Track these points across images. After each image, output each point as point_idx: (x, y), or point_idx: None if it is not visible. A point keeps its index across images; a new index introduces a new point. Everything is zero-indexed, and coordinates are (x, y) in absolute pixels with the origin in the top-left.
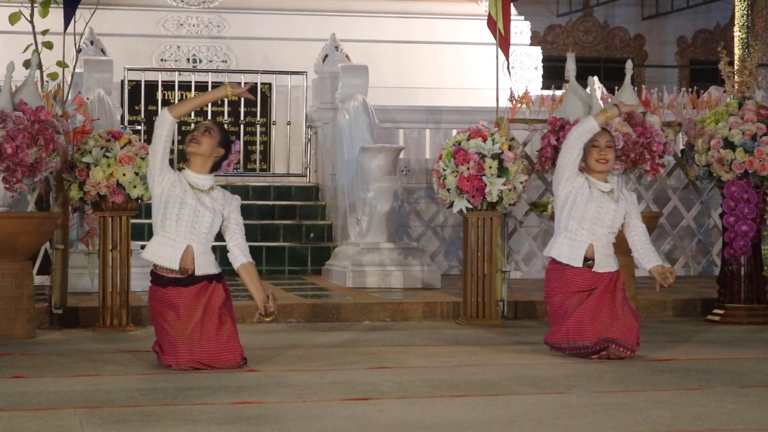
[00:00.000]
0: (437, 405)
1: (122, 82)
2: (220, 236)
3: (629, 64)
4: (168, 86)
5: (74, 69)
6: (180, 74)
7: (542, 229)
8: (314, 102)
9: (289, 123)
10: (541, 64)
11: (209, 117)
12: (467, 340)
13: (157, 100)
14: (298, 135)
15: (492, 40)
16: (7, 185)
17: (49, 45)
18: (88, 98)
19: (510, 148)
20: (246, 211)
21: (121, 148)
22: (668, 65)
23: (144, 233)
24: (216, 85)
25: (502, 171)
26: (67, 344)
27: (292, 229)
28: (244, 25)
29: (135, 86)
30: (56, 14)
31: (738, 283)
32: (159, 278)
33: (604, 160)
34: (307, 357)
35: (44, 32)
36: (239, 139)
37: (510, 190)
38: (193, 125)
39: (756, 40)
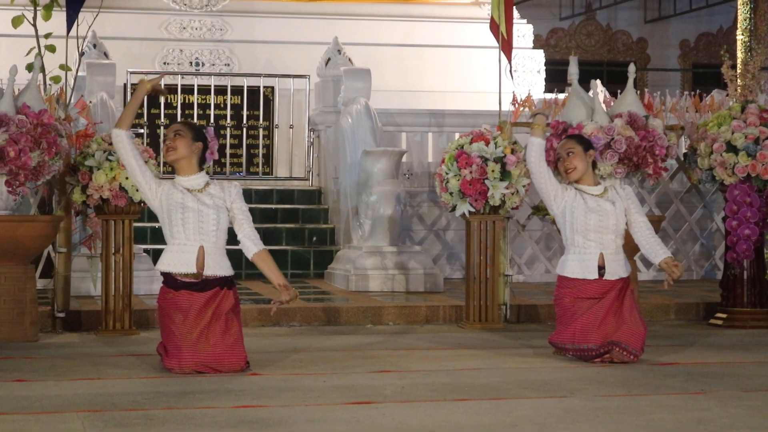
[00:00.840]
0: (440, 409)
1: (125, 85)
2: (232, 238)
3: (632, 68)
4: (170, 90)
5: (77, 72)
6: (183, 78)
7: (545, 232)
8: (317, 105)
9: (291, 126)
10: (544, 68)
11: (212, 120)
12: (470, 343)
13: (159, 104)
14: (301, 138)
15: (495, 43)
16: (10, 188)
17: (51, 48)
18: (90, 101)
19: (513, 151)
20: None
21: None
22: (671, 69)
23: (147, 236)
24: (219, 88)
25: (504, 174)
26: (70, 348)
27: (294, 233)
28: (246, 28)
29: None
30: (59, 17)
31: (741, 287)
32: (173, 281)
33: (570, 168)
34: (310, 361)
35: (47, 35)
36: (242, 143)
37: (512, 194)
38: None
39: (759, 43)
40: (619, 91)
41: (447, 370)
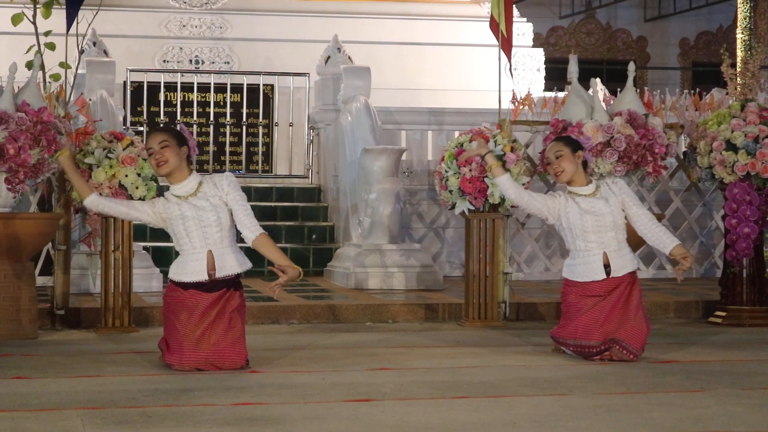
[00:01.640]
0: (439, 406)
1: (124, 83)
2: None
3: (632, 66)
4: (170, 87)
5: (77, 70)
6: (182, 75)
7: (544, 230)
8: (316, 103)
9: (291, 124)
10: (544, 66)
11: (211, 118)
12: (469, 341)
13: (159, 102)
14: (301, 136)
15: (494, 41)
16: (10, 186)
17: (51, 46)
18: (90, 99)
19: (512, 149)
20: None
21: (124, 149)
22: (671, 67)
23: (146, 234)
24: (218, 86)
25: None
26: (69, 345)
27: (294, 231)
28: (246, 26)
29: (137, 87)
30: (59, 15)
31: (740, 285)
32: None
33: (559, 171)
34: (309, 358)
35: (47, 33)
36: (242, 141)
37: None
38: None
39: (758, 42)
40: (618, 89)
41: (446, 367)
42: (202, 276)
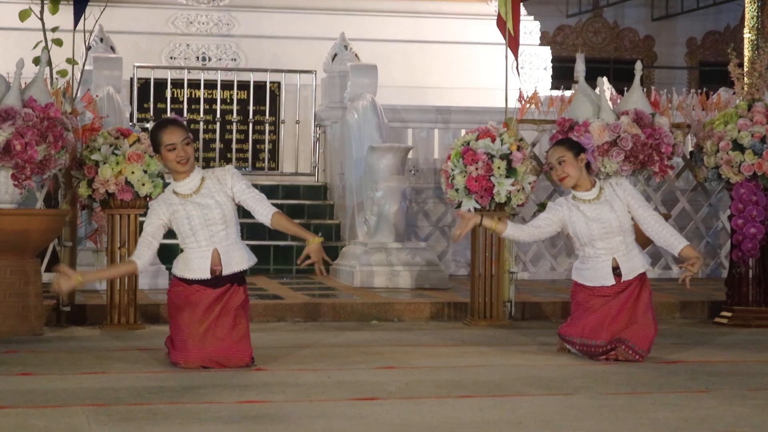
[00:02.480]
0: (444, 405)
1: (131, 79)
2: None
3: (638, 65)
4: (177, 84)
5: (84, 66)
6: (189, 72)
7: None
8: (323, 101)
9: (297, 122)
10: (551, 65)
11: (218, 115)
12: (474, 340)
13: (166, 98)
14: (307, 134)
15: (501, 40)
16: (16, 182)
17: (58, 42)
18: (97, 95)
19: (519, 148)
20: None
21: (130, 145)
22: (677, 66)
23: None
24: (225, 83)
25: (510, 171)
26: (75, 342)
27: None
28: (253, 23)
29: (144, 84)
30: (66, 11)
31: (746, 286)
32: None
33: (563, 177)
34: (314, 356)
35: (54, 29)
36: (248, 138)
37: (518, 191)
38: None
39: (766, 41)
40: (625, 88)
41: (451, 366)
42: (206, 274)
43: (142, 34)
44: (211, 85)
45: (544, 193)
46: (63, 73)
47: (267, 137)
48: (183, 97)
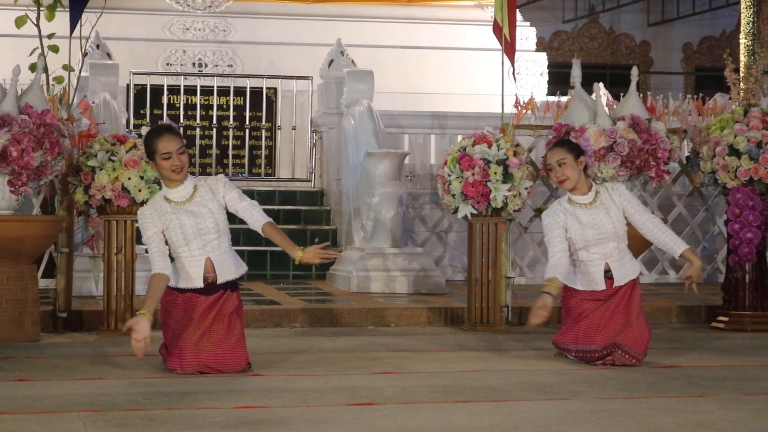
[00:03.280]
0: (441, 410)
1: (128, 86)
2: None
3: (635, 71)
4: (173, 90)
5: (80, 73)
6: (185, 78)
7: None
8: (319, 107)
9: (294, 128)
10: (547, 70)
11: (214, 121)
12: (471, 345)
13: (162, 104)
14: (303, 140)
15: (497, 45)
16: (13, 188)
17: (55, 48)
18: (93, 102)
19: (515, 154)
20: None
21: (127, 152)
22: (674, 72)
23: None
24: (221, 89)
25: (507, 177)
26: (72, 347)
27: (296, 234)
28: (249, 29)
29: (140, 90)
30: (62, 18)
31: (743, 290)
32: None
33: (563, 179)
34: (311, 362)
35: (50, 36)
36: (245, 144)
37: (515, 196)
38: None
39: (762, 47)
40: (621, 94)
41: (448, 371)
42: (199, 283)
43: (138, 41)
44: (207, 91)
45: (540, 199)
46: (59, 80)
47: (263, 143)
48: (179, 103)
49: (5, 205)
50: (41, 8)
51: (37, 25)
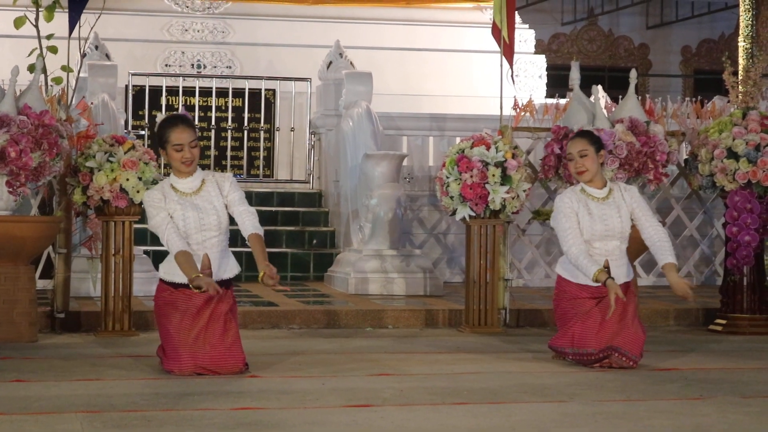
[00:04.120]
0: (438, 412)
1: (126, 87)
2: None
3: (633, 74)
4: (172, 92)
5: (78, 73)
6: (184, 80)
7: (545, 237)
8: (318, 108)
9: (292, 129)
10: (546, 73)
11: (213, 122)
12: (469, 347)
13: (161, 106)
14: (302, 141)
15: (496, 48)
16: (11, 189)
17: (53, 49)
18: (92, 103)
19: (513, 156)
20: None
21: (125, 153)
22: (672, 75)
23: (146, 238)
24: (220, 90)
25: (505, 179)
26: (69, 348)
27: (294, 236)
28: (248, 31)
29: (139, 91)
30: (61, 19)
31: (740, 293)
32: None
33: (582, 170)
34: (309, 363)
35: (49, 37)
36: (243, 145)
37: (513, 198)
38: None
39: (760, 50)
40: (620, 96)
41: (446, 373)
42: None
43: (137, 42)
44: (206, 93)
45: (538, 201)
46: (58, 81)
47: (262, 144)
48: (178, 104)
49: (3, 205)
50: (40, 9)
51: (36, 26)
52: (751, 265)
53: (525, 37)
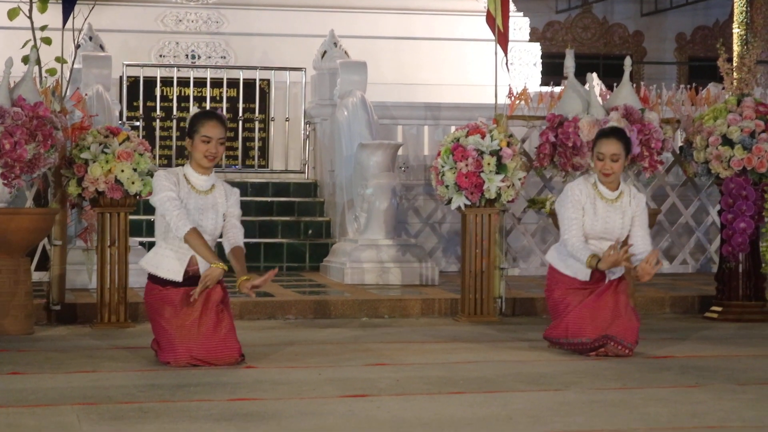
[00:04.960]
0: (435, 402)
1: (121, 78)
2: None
3: (628, 61)
4: (167, 82)
5: (73, 65)
6: (179, 70)
7: (540, 225)
8: (313, 98)
9: (287, 119)
10: (540, 61)
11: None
12: (465, 337)
13: (155, 96)
14: (297, 131)
15: (491, 36)
16: (6, 181)
17: (47, 41)
18: (86, 94)
19: (508, 144)
20: (244, 208)
21: (120, 144)
22: (667, 62)
23: (142, 229)
24: (215, 81)
25: (500, 168)
26: (65, 340)
27: (290, 226)
28: (242, 21)
29: (133, 82)
30: (55, 10)
31: (736, 280)
32: (158, 278)
33: (608, 172)
34: (305, 354)
35: (43, 28)
36: (238, 136)
37: (508, 187)
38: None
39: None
40: (615, 84)
41: (442, 363)
42: (178, 277)
43: (131, 33)
44: (200, 83)
45: (534, 189)
46: (52, 72)
47: (257, 135)
48: (172, 95)
49: None
50: (34, 0)
51: (30, 17)
52: (747, 252)
53: (519, 25)
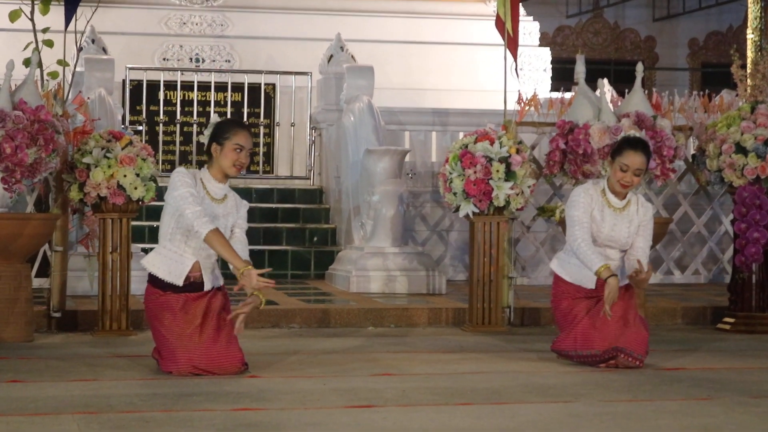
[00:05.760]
0: (441, 413)
1: (123, 81)
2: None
3: (640, 67)
4: (170, 86)
5: (75, 68)
6: (182, 74)
7: (550, 234)
8: (319, 103)
9: (293, 124)
10: (550, 66)
11: (210, 117)
12: (472, 347)
13: (159, 100)
14: (302, 137)
15: (500, 41)
16: (6, 186)
17: (49, 43)
18: (88, 98)
19: (518, 151)
20: (249, 214)
21: (122, 148)
22: (679, 68)
23: (145, 236)
24: (219, 85)
25: (509, 175)
26: (66, 348)
27: (295, 233)
28: (248, 24)
29: (136, 86)
30: (57, 12)
31: (749, 291)
32: (158, 281)
33: (628, 185)
34: (310, 363)
35: (45, 30)
36: None
37: (517, 195)
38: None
39: None
40: (626, 90)
41: (449, 373)
42: (179, 281)
43: (134, 35)
44: (204, 87)
45: (543, 197)
46: (54, 75)
47: (262, 140)
48: (176, 99)
49: None
50: (35, 2)
51: (32, 20)
52: (760, 263)
53: (529, 29)
